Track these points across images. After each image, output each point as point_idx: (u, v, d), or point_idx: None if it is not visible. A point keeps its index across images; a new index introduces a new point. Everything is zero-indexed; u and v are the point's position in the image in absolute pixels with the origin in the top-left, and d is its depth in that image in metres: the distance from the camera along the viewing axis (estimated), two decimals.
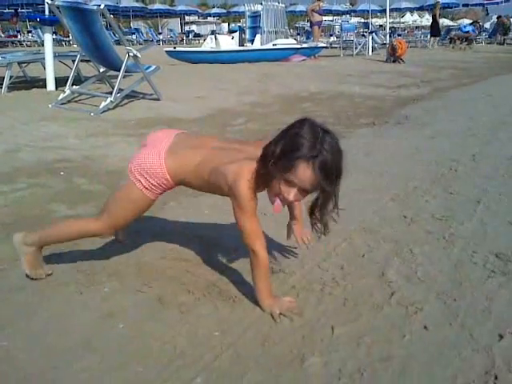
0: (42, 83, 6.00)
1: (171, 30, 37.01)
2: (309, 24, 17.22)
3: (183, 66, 10.11)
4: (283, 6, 14.58)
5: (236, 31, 14.92)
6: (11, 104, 5.06)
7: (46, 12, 6.03)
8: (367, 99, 6.51)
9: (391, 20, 30.19)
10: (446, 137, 4.22)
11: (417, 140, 4.14)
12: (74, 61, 5.71)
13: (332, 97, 6.63)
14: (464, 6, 36.16)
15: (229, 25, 40.23)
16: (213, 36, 12.88)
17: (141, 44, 24.12)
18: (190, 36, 34.87)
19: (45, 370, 1.30)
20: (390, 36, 18.19)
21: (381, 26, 25.37)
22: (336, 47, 17.31)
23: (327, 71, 9.81)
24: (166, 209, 2.50)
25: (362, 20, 26.63)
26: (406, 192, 2.75)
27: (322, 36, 21.07)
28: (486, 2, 31.23)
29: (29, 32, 26.30)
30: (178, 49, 12.43)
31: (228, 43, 12.07)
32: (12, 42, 23.17)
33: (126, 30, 29.27)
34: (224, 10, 46.22)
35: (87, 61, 5.87)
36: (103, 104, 4.88)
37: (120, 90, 5.08)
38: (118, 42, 6.74)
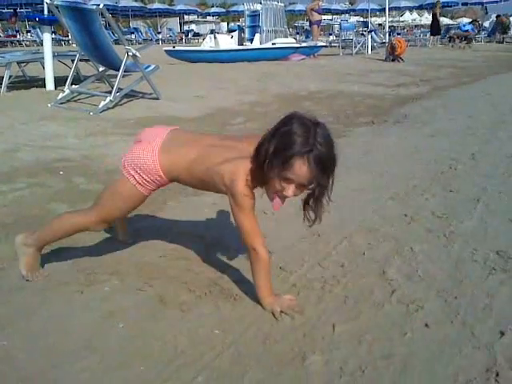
0: (41, 83, 5.99)
1: (170, 30, 36.99)
2: (308, 23, 17.20)
3: (182, 66, 10.10)
4: (282, 5, 14.56)
5: (235, 30, 14.92)
6: (10, 104, 5.05)
7: (45, 12, 6.01)
8: (366, 98, 6.51)
9: (390, 19, 30.20)
10: (445, 135, 4.22)
11: (416, 139, 4.14)
12: (73, 60, 5.71)
13: (331, 96, 6.63)
14: (463, 4, 36.16)
15: (228, 24, 40.28)
16: (212, 35, 12.86)
17: (140, 43, 24.13)
18: (189, 35, 34.85)
19: (45, 370, 1.30)
20: (389, 35, 18.17)
21: (380, 24, 25.33)
22: (335, 46, 17.31)
23: (326, 70, 9.81)
24: (166, 208, 2.50)
25: (362, 19, 26.55)
26: (406, 191, 2.75)
27: (322, 35, 21.08)
28: (485, 0, 31.23)
29: (28, 32, 26.30)
30: (177, 48, 12.41)
31: (227, 42, 12.07)
32: (11, 42, 23.16)
33: (125, 29, 29.24)
34: (223, 10, 46.16)
35: (86, 60, 5.87)
36: (102, 103, 4.87)
37: (119, 90, 5.08)
38: (117, 42, 6.73)
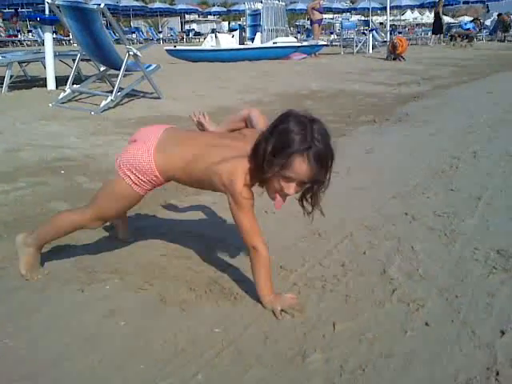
0: (43, 82, 6.00)
1: (171, 29, 36.98)
2: (309, 22, 17.19)
3: (183, 65, 10.11)
4: (283, 4, 14.55)
5: (236, 29, 14.95)
6: (12, 103, 5.06)
7: (46, 11, 6.02)
8: (368, 97, 6.50)
9: (392, 17, 30.16)
10: (446, 134, 4.21)
11: (417, 137, 4.14)
12: (74, 60, 5.72)
13: (332, 95, 6.62)
14: (464, 3, 36.02)
15: (229, 23, 40.27)
16: (213, 34, 12.89)
17: (141, 43, 24.12)
18: (191, 35, 34.87)
19: (46, 368, 1.30)
20: (390, 34, 18.17)
21: (381, 23, 25.31)
22: (336, 45, 17.29)
23: (327, 69, 9.81)
24: (167, 207, 2.50)
25: (363, 18, 26.55)
26: (407, 189, 2.75)
27: (323, 34, 21.04)
28: None
29: (29, 31, 26.33)
30: (178, 47, 12.44)
31: (228, 42, 12.07)
32: (12, 42, 23.18)
33: (126, 28, 29.30)
34: (224, 9, 46.15)
35: (87, 60, 5.87)
36: (104, 103, 4.88)
37: (120, 89, 5.08)
38: (118, 41, 6.74)
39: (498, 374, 1.26)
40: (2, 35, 23.28)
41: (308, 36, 19.15)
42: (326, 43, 15.05)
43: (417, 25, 34.97)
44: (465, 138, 4.02)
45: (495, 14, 27.14)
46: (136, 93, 5.68)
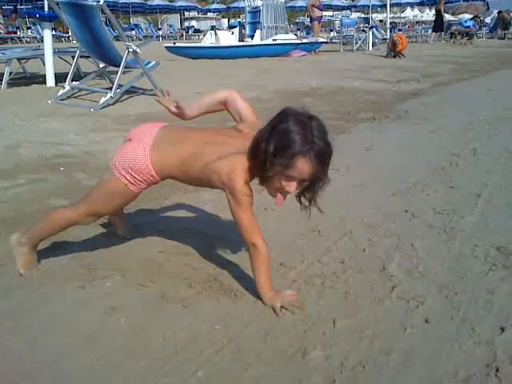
0: (42, 79, 5.99)
1: (171, 26, 36.90)
2: (309, 19, 17.18)
3: (183, 62, 10.09)
4: (283, 1, 14.54)
5: (236, 27, 14.90)
6: (11, 100, 5.06)
7: (46, 8, 6.01)
8: (367, 94, 6.49)
9: (392, 15, 30.10)
10: (446, 131, 4.21)
11: (417, 134, 4.14)
12: (73, 57, 5.71)
13: (332, 92, 6.61)
14: (465, 0, 35.98)
15: (229, 20, 40.14)
16: (212, 31, 12.86)
17: (140, 40, 24.07)
18: (190, 32, 34.78)
19: (45, 366, 1.30)
20: (390, 31, 18.12)
21: (381, 21, 25.25)
22: (336, 42, 17.28)
23: (327, 66, 9.80)
24: (166, 204, 2.50)
25: (363, 15, 26.54)
26: (407, 186, 2.74)
27: (322, 31, 21.03)
28: None
29: (28, 28, 26.22)
30: (177, 44, 12.40)
31: (228, 39, 12.05)
32: (11, 39, 23.11)
33: (126, 25, 29.19)
34: (224, 6, 45.98)
35: (87, 57, 5.87)
36: (103, 100, 4.87)
37: (120, 86, 5.08)
38: (118, 38, 6.72)
39: (497, 370, 1.26)
40: (1, 32, 23.23)
41: (308, 33, 19.14)
42: (325, 40, 15.02)
43: (417, 22, 34.91)
44: (464, 136, 4.01)
45: (495, 12, 27.12)
46: (135, 90, 5.67)
